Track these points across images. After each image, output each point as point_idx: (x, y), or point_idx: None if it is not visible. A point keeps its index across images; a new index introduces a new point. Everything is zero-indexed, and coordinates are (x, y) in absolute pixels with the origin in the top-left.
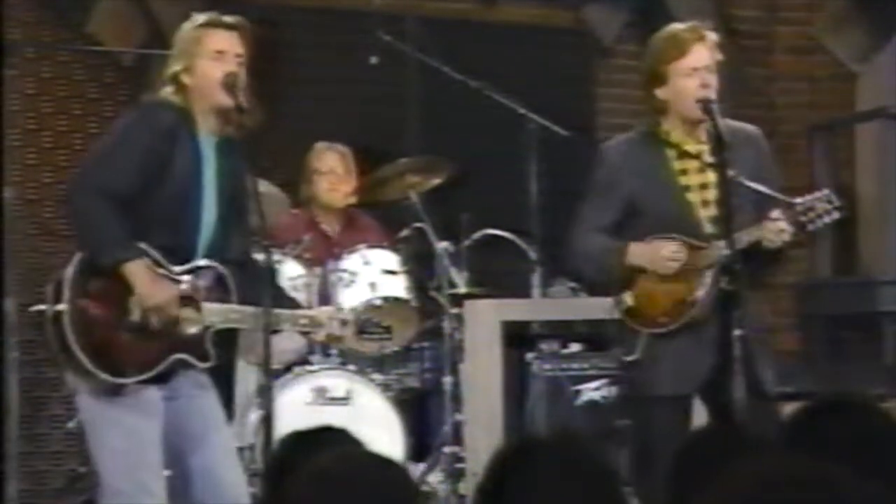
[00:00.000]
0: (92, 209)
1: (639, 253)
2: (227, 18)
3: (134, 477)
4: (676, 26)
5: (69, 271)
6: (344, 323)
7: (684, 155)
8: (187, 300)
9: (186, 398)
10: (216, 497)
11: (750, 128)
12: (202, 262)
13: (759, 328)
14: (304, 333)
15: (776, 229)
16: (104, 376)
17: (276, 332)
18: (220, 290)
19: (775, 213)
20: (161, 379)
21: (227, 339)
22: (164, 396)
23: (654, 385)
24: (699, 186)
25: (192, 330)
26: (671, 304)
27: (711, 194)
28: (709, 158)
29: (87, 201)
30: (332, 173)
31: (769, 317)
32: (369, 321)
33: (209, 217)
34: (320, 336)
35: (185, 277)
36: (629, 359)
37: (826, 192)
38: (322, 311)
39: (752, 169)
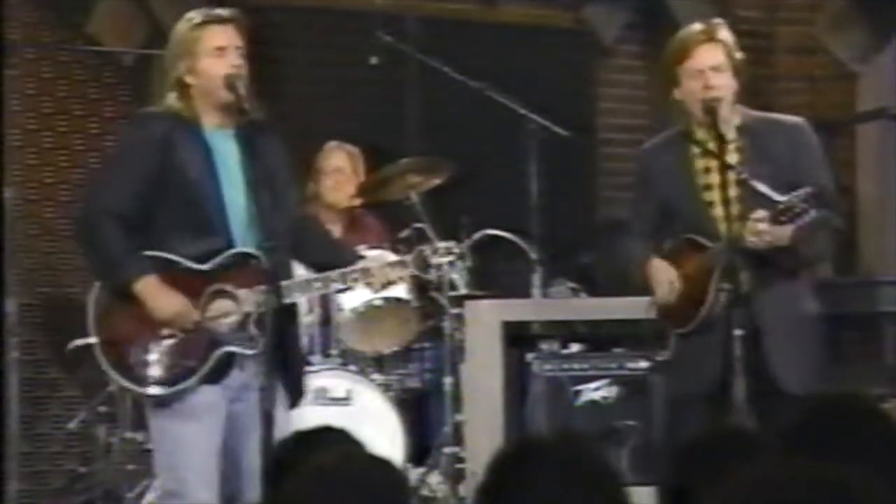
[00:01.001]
0: (95, 235)
1: (653, 268)
2: (223, 13)
3: (179, 478)
4: (689, 27)
5: (90, 302)
6: (402, 264)
7: (707, 153)
8: (222, 293)
9: (247, 402)
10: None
11: (791, 119)
12: (231, 252)
13: (784, 325)
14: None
15: (755, 230)
16: (153, 391)
17: (344, 290)
18: (257, 274)
19: (757, 214)
20: (217, 377)
21: (287, 316)
22: (231, 398)
23: (681, 385)
24: (720, 185)
25: (231, 320)
26: (689, 305)
27: (731, 192)
28: (730, 157)
29: (91, 228)
30: (339, 172)
31: (810, 309)
32: (427, 253)
33: (237, 209)
34: (377, 285)
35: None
36: (661, 358)
37: (806, 190)
38: (371, 260)
39: (786, 160)
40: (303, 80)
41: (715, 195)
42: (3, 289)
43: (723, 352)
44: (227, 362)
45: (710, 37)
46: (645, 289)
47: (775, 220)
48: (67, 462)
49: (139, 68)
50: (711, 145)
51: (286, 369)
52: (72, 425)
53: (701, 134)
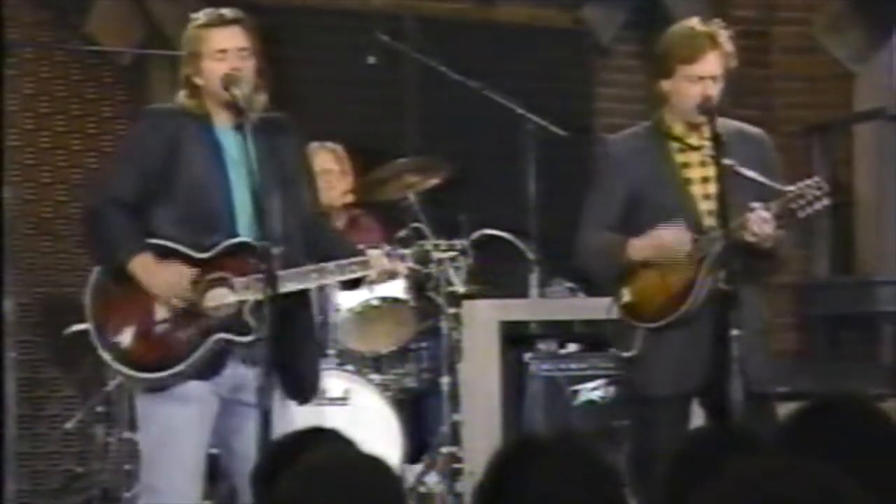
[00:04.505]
0: (98, 222)
1: (641, 246)
2: (226, 14)
3: (165, 475)
4: (696, 25)
5: (87, 288)
6: (401, 257)
7: (687, 148)
8: (220, 281)
9: (242, 400)
10: None
11: (754, 130)
12: (233, 241)
13: (754, 327)
14: (358, 280)
15: (758, 219)
16: (144, 375)
17: (346, 282)
18: (254, 264)
19: (757, 204)
20: (209, 373)
21: (296, 307)
22: (223, 397)
23: (653, 385)
24: (701, 180)
25: (228, 308)
26: (666, 299)
27: (712, 188)
28: (710, 152)
29: (94, 215)
30: (328, 172)
31: (766, 316)
32: (429, 248)
33: (245, 206)
34: (373, 276)
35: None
36: (627, 355)
37: (816, 179)
38: (372, 252)
39: (751, 168)
40: (301, 79)
41: (697, 189)
42: (1, 289)
43: (708, 350)
44: (220, 359)
45: (716, 44)
46: (621, 276)
47: (784, 208)
48: (65, 462)
49: (137, 68)
50: (693, 140)
51: (288, 363)
52: (69, 425)
53: (678, 130)
